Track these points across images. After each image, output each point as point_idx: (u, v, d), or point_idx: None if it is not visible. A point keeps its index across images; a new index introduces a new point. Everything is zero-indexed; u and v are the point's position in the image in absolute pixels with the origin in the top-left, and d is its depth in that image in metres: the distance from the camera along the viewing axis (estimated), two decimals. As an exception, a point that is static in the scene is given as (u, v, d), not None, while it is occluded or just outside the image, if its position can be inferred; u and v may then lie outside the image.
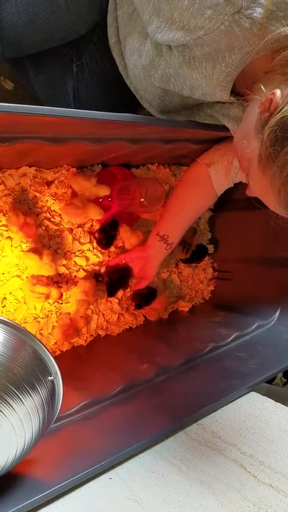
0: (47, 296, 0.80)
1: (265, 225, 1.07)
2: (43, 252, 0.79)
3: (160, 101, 0.69)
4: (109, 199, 0.89)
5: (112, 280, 0.88)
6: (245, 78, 0.54)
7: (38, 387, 0.45)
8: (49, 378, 0.47)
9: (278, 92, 0.46)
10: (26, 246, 0.80)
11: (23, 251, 0.79)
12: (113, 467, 0.57)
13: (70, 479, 0.50)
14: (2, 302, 0.80)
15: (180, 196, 0.86)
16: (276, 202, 0.50)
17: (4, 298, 0.80)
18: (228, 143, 0.81)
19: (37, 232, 0.81)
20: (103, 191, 0.83)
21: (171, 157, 0.96)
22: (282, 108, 0.45)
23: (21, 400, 0.42)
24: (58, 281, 0.87)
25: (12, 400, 0.42)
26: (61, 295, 0.83)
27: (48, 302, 0.85)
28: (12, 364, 0.43)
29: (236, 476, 0.57)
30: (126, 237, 0.90)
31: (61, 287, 0.85)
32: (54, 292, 0.81)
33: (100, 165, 0.89)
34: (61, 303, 0.87)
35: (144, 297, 0.94)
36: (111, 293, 0.89)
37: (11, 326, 0.46)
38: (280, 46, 0.49)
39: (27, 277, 0.81)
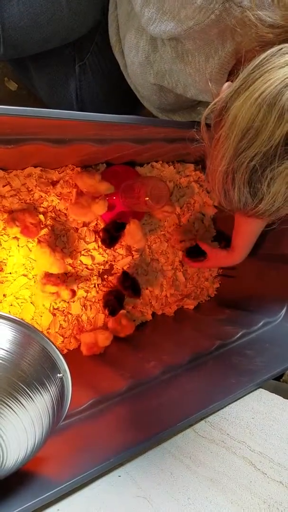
0: (58, 295, 0.82)
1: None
2: (56, 249, 0.80)
3: (156, 97, 0.69)
4: (114, 198, 0.89)
5: (111, 300, 0.91)
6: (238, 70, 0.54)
7: (47, 384, 0.45)
8: (58, 375, 0.47)
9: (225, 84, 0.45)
10: (38, 242, 0.81)
11: (39, 244, 0.80)
12: (121, 464, 0.58)
13: (79, 477, 0.50)
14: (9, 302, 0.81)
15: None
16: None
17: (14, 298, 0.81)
18: None
19: (40, 232, 0.81)
20: (107, 188, 0.83)
21: (176, 155, 0.96)
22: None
23: (31, 398, 0.43)
24: (65, 280, 0.87)
25: (23, 398, 0.42)
26: (74, 293, 0.84)
27: (55, 302, 0.86)
28: (21, 361, 0.44)
29: (245, 473, 0.57)
30: (131, 234, 0.90)
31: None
32: (65, 293, 0.81)
33: (104, 164, 0.89)
34: (67, 302, 0.88)
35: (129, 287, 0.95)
36: (113, 313, 0.91)
37: (18, 323, 0.46)
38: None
39: (33, 276, 0.82)
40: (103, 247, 0.91)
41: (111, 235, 0.88)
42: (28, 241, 0.80)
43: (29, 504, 0.46)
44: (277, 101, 0.37)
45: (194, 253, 1.03)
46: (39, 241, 0.80)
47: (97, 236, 0.91)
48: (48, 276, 0.82)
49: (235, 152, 0.40)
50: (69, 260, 0.87)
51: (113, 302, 0.90)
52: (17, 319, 0.47)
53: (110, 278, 0.94)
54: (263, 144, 0.38)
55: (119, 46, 0.72)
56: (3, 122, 0.48)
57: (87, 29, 0.73)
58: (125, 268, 0.96)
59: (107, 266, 0.94)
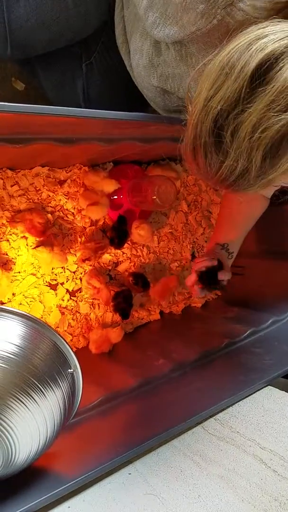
0: (99, 291, 0.87)
1: (279, 219, 1.06)
2: (54, 243, 0.80)
3: (160, 99, 0.69)
4: (121, 196, 0.89)
5: (120, 303, 0.91)
6: None
7: (59, 379, 0.45)
8: (69, 370, 0.47)
9: None
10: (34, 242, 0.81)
11: (33, 247, 0.80)
12: (131, 462, 0.58)
13: (90, 472, 0.50)
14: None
15: (228, 204, 0.85)
16: None
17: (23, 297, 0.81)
18: None
19: (48, 231, 0.82)
20: (112, 185, 0.83)
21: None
22: None
23: (43, 393, 0.43)
24: (72, 278, 0.87)
25: (35, 393, 0.42)
26: (109, 300, 0.89)
27: (62, 299, 0.86)
28: (33, 356, 0.44)
29: (256, 471, 0.57)
30: (138, 231, 0.91)
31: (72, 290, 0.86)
32: (105, 292, 0.87)
33: (111, 163, 0.90)
34: (76, 301, 0.88)
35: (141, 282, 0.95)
36: (126, 316, 0.91)
37: (29, 319, 0.47)
38: None
39: (42, 275, 0.82)
40: (112, 247, 0.92)
41: (119, 231, 0.88)
42: (36, 240, 0.81)
43: (40, 499, 0.46)
44: (247, 50, 0.38)
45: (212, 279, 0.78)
46: (36, 244, 0.81)
47: (104, 236, 0.91)
48: (95, 272, 0.88)
49: (205, 100, 0.40)
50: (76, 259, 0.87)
51: (123, 305, 0.90)
52: (28, 315, 0.47)
53: (117, 276, 0.95)
54: (228, 88, 0.38)
55: (126, 46, 0.73)
56: (11, 120, 0.49)
57: (93, 28, 0.73)
58: (132, 265, 0.96)
59: (113, 265, 0.94)
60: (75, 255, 0.87)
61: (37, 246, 0.79)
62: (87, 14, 0.70)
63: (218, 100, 0.39)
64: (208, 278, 0.76)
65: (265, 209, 0.85)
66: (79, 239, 0.87)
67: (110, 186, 0.83)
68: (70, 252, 0.86)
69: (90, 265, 0.89)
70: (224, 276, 0.78)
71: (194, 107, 0.42)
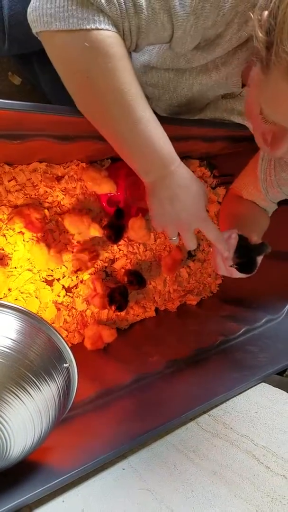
0: (95, 295, 0.88)
1: (273, 218, 1.07)
2: (51, 245, 0.80)
3: (168, 96, 0.68)
4: (118, 193, 0.89)
5: (115, 295, 0.90)
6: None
7: (54, 374, 0.46)
8: (65, 365, 0.47)
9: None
10: (33, 238, 0.81)
11: (32, 240, 0.80)
12: (125, 457, 0.58)
13: (84, 466, 0.51)
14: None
15: (226, 212, 0.84)
16: None
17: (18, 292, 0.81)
18: (250, 165, 0.79)
19: (45, 226, 0.81)
20: (110, 186, 0.83)
21: (181, 152, 0.96)
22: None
23: (38, 388, 0.43)
24: (68, 274, 0.88)
25: (30, 387, 0.42)
26: (105, 306, 0.89)
27: (58, 295, 0.86)
28: (28, 351, 0.44)
29: (249, 467, 0.57)
30: (135, 229, 0.91)
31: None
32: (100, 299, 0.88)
33: (109, 160, 0.90)
34: (72, 297, 0.88)
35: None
36: (120, 308, 0.91)
37: (26, 314, 0.47)
38: None
39: (38, 271, 0.82)
40: (108, 243, 0.92)
41: (115, 227, 0.87)
42: (33, 236, 0.81)
43: (34, 492, 0.46)
44: None
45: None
46: (37, 239, 0.80)
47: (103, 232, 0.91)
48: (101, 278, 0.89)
49: None
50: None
51: (118, 298, 0.90)
52: (25, 309, 0.47)
53: (114, 273, 0.95)
54: None
55: None
56: (7, 117, 0.49)
57: None
58: (128, 262, 0.96)
59: (110, 262, 0.94)
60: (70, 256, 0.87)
61: (38, 242, 0.79)
62: None
63: None
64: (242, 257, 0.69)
65: (267, 225, 0.83)
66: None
67: (107, 187, 0.83)
68: (67, 249, 0.86)
69: (90, 273, 0.90)
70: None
71: None
